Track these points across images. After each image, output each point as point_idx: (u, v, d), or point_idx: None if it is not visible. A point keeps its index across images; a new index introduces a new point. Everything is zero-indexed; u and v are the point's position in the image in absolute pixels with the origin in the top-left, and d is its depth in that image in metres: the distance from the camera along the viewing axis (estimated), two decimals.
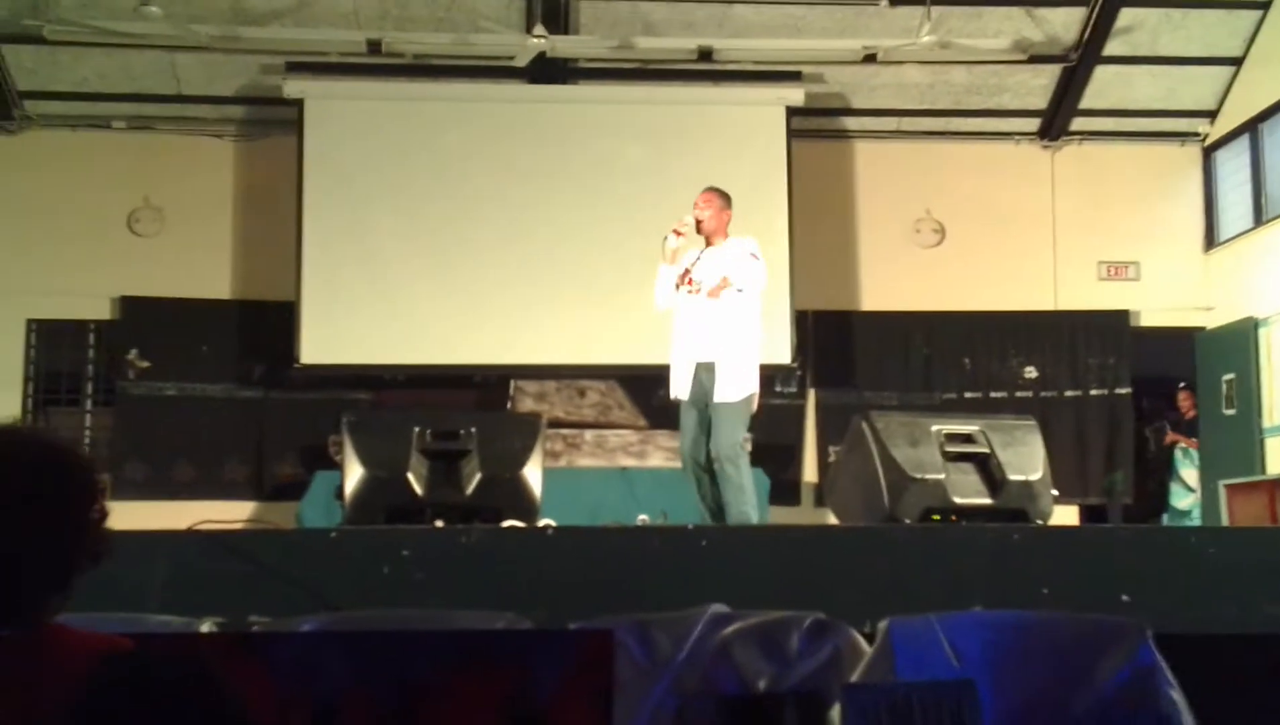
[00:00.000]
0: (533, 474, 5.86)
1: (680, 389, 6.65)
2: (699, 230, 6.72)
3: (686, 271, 6.69)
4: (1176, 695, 3.48)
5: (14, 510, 1.92)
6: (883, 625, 3.54)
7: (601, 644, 2.51)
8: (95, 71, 11.23)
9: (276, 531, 6.01)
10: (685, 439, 6.72)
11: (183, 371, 11.34)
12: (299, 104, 11.06)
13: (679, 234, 6.62)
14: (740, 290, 6.58)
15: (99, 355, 11.58)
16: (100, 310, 11.39)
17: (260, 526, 7.07)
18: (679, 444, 6.94)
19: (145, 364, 11.29)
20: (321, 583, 4.23)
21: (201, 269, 11.38)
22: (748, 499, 6.44)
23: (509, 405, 10.92)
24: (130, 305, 11.33)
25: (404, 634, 2.74)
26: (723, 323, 6.58)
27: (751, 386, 6.59)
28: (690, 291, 6.66)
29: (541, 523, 5.62)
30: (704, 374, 6.58)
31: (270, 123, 11.52)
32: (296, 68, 11.12)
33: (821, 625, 3.56)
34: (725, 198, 6.83)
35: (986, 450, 5.90)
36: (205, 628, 3.44)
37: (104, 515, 2.03)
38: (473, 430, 5.87)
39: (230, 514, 8.94)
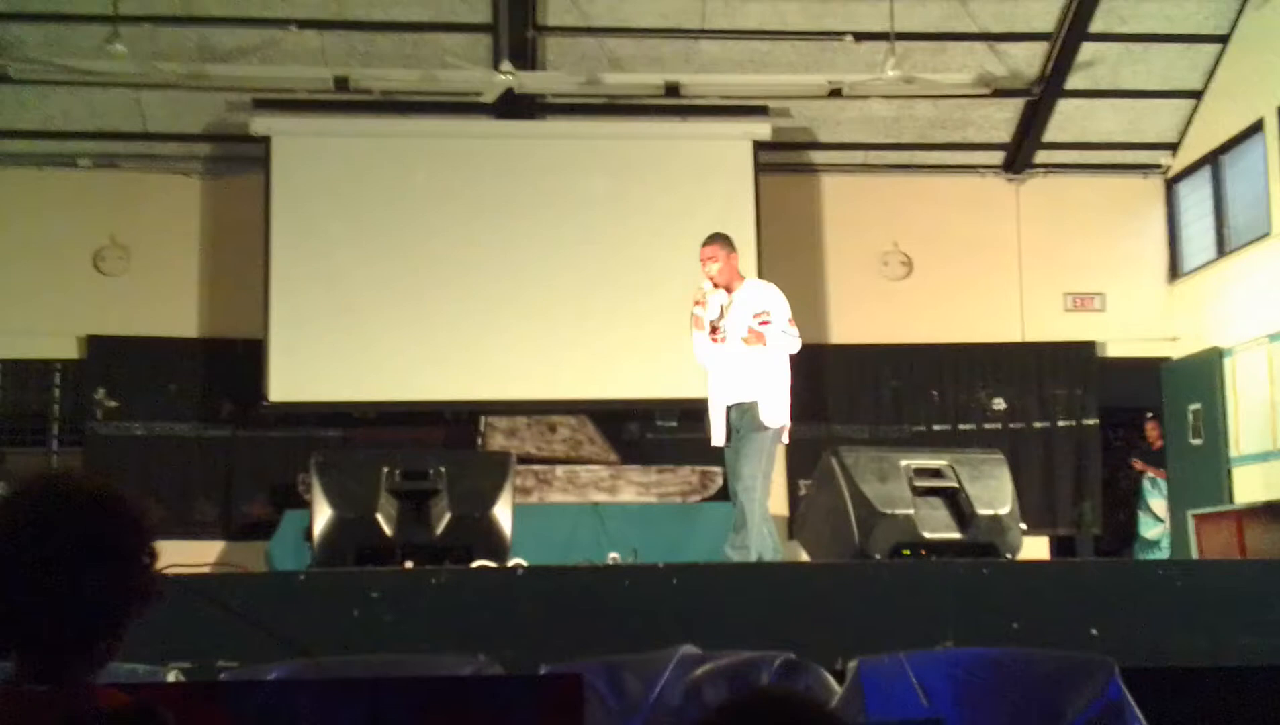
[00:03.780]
0: (503, 513, 5.85)
1: (718, 437, 6.91)
2: (715, 285, 6.89)
3: (714, 326, 6.84)
4: None
5: (62, 555, 1.91)
6: (852, 665, 3.55)
7: (571, 688, 2.50)
8: (60, 109, 11.16)
9: (245, 575, 5.97)
10: (729, 473, 7.02)
11: (150, 411, 11.24)
12: (266, 141, 11.01)
13: (701, 303, 6.84)
14: (774, 346, 6.81)
15: (65, 395, 11.48)
16: (66, 350, 11.28)
17: (229, 570, 7.02)
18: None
19: (113, 404, 11.20)
20: (291, 626, 4.20)
21: (168, 307, 11.31)
22: (749, 534, 6.54)
23: (480, 441, 10.87)
24: (97, 344, 11.24)
25: (373, 681, 2.72)
26: (751, 367, 6.78)
27: (778, 422, 6.76)
28: (717, 341, 6.83)
29: (512, 561, 5.60)
30: (734, 414, 6.82)
31: (237, 160, 11.48)
32: (263, 104, 11.10)
33: (792, 665, 3.56)
34: (726, 241, 6.99)
35: (955, 484, 5.94)
36: (172, 676, 3.41)
37: (154, 558, 2.02)
38: (442, 469, 5.86)
39: (199, 553, 8.87)
